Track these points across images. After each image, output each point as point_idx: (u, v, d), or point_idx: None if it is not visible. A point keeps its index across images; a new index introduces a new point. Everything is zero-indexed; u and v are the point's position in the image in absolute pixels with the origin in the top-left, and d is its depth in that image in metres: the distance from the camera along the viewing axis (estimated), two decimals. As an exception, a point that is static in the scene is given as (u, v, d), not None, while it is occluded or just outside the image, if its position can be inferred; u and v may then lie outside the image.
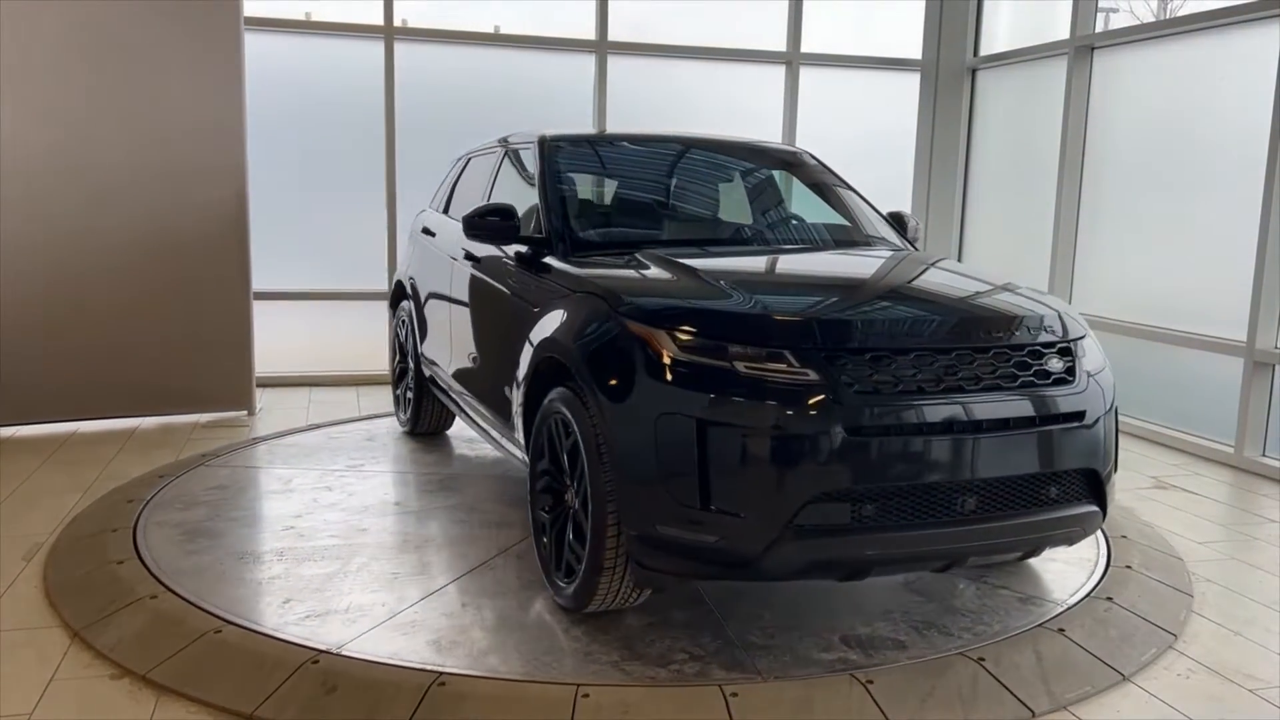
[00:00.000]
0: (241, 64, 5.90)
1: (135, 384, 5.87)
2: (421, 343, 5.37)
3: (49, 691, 2.86)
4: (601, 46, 7.52)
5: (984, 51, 8.14)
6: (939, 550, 3.03)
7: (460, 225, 4.24)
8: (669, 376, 2.95)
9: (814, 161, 4.83)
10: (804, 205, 4.73)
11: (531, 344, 3.60)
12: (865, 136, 8.21)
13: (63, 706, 2.79)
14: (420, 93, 7.31)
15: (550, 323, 3.48)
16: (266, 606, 3.42)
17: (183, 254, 5.87)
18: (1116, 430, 3.35)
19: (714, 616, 3.38)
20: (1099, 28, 6.91)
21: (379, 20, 7.14)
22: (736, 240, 4.41)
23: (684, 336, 2.99)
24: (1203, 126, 6.11)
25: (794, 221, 4.62)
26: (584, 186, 4.50)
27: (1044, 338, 3.21)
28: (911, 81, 8.25)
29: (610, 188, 4.69)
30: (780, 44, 7.88)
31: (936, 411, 2.94)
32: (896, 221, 4.54)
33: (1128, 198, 6.69)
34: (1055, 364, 3.18)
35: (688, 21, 7.78)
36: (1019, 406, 3.04)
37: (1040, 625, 3.36)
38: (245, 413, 6.19)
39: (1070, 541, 3.36)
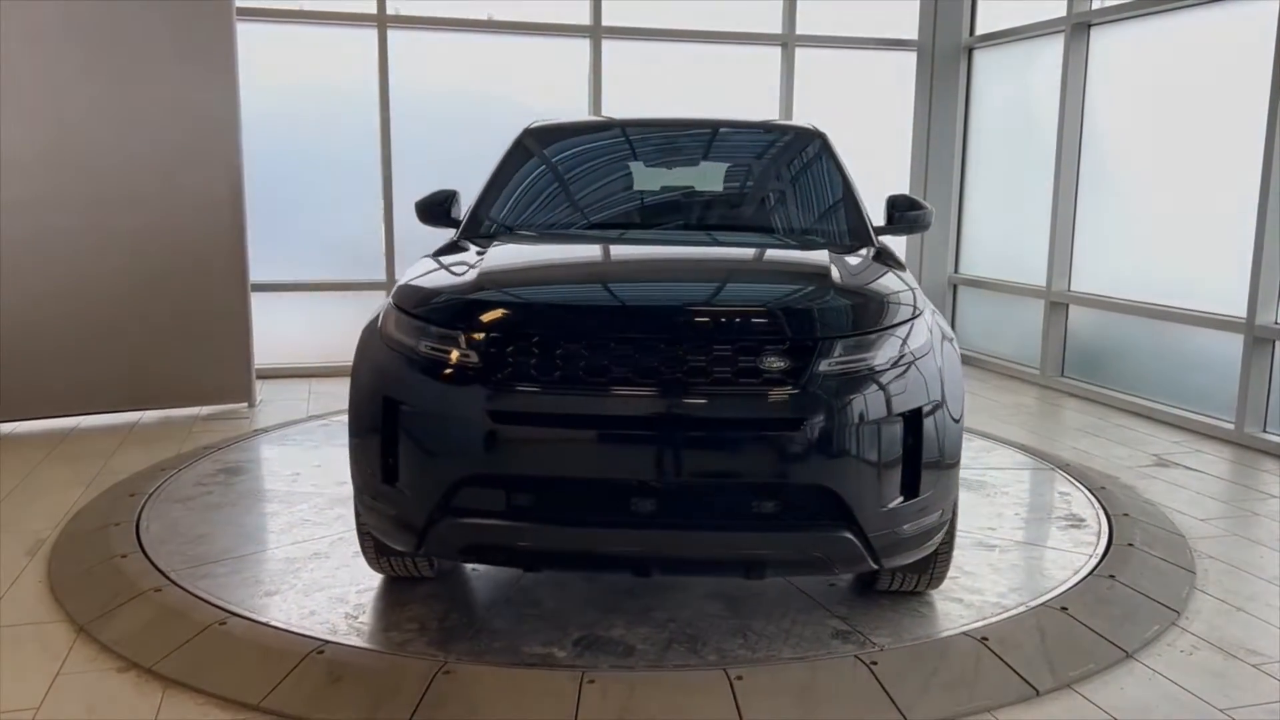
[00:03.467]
0: (234, 55, 5.86)
1: (135, 378, 5.87)
2: None
3: (55, 685, 2.87)
4: (596, 31, 7.48)
5: (980, 30, 8.10)
6: (608, 552, 2.89)
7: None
8: (379, 353, 3.09)
9: (797, 142, 4.53)
10: (758, 191, 4.45)
11: None
12: (862, 117, 8.17)
13: (70, 700, 2.80)
14: (414, 80, 7.27)
15: None
16: (172, 533, 3.89)
17: (179, 246, 5.86)
18: (910, 445, 2.87)
19: (490, 598, 3.41)
20: (1095, 4, 6.88)
21: (372, 9, 7.10)
22: (636, 226, 4.20)
23: (400, 316, 3.09)
24: (1201, 101, 6.09)
25: (719, 209, 4.35)
26: (535, 173, 4.41)
27: (769, 335, 2.85)
28: (908, 61, 8.21)
29: (558, 175, 4.52)
30: (776, 26, 7.85)
31: (595, 404, 2.79)
32: (893, 208, 4.15)
33: (1127, 174, 6.67)
34: (773, 363, 2.80)
35: (684, 7, 7.73)
36: (705, 407, 2.77)
37: (1044, 604, 3.36)
38: (246, 405, 6.20)
39: (820, 570, 3.15)
